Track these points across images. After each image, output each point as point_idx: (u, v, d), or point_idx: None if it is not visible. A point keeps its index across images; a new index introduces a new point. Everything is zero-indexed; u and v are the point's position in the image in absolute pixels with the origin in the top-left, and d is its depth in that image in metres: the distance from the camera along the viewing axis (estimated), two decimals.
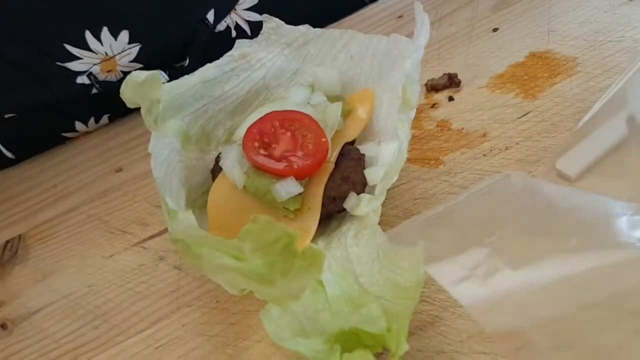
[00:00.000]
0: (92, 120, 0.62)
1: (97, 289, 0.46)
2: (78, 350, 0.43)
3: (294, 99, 0.48)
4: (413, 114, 0.42)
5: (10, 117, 0.59)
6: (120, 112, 0.62)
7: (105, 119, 0.62)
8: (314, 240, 0.42)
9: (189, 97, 0.49)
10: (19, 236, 0.53)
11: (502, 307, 0.33)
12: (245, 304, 0.42)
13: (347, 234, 0.42)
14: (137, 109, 0.43)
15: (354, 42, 0.50)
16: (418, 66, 0.42)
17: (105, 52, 0.57)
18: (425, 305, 0.39)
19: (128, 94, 0.43)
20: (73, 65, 0.56)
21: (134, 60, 0.58)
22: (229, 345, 0.40)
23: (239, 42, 0.52)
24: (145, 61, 0.58)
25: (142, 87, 0.42)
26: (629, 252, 0.34)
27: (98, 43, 0.56)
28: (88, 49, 0.56)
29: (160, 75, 0.44)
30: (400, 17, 0.63)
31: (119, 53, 0.57)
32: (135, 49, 0.58)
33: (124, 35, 0.57)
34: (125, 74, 0.57)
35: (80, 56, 0.56)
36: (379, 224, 0.41)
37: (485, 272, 0.34)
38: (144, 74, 0.42)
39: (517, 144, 0.47)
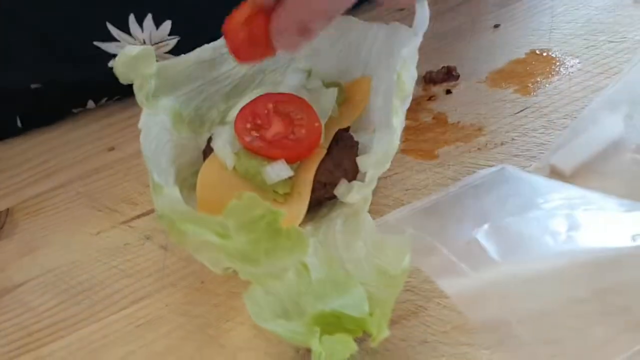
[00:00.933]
0: (104, 99, 0.61)
1: (81, 265, 0.46)
2: (59, 325, 0.42)
3: (289, 83, 0.48)
4: (408, 102, 0.42)
5: (35, 87, 0.58)
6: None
7: (115, 98, 0.61)
8: (302, 225, 0.42)
9: (185, 77, 0.49)
10: (7, 210, 0.52)
11: (488, 299, 0.33)
12: (230, 285, 0.42)
13: (336, 220, 0.41)
14: None
15: (354, 30, 0.50)
16: (415, 53, 0.42)
17: (143, 40, 0.56)
18: (411, 294, 0.39)
19: (121, 68, 0.43)
20: (109, 47, 0.56)
21: (169, 52, 0.58)
22: (211, 326, 0.40)
23: None
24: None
25: (135, 61, 0.42)
26: (619, 248, 0.33)
27: (139, 29, 0.55)
28: (128, 32, 0.55)
29: (153, 51, 0.43)
30: (401, 10, 0.63)
31: (156, 43, 0.56)
32: (173, 41, 0.57)
33: (167, 25, 0.56)
34: None
35: (119, 38, 0.55)
36: (368, 212, 0.40)
37: (472, 263, 0.34)
38: (137, 48, 0.42)
39: (512, 139, 0.46)
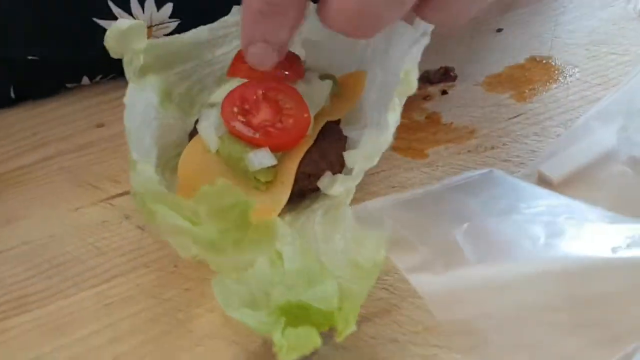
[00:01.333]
0: (99, 77, 0.60)
1: (57, 239, 0.45)
2: (28, 298, 0.41)
3: None
4: (404, 99, 0.41)
5: (32, 59, 0.57)
6: None
7: (111, 76, 0.61)
8: (281, 215, 0.41)
9: (178, 57, 0.48)
10: None
11: (460, 299, 0.32)
12: (203, 271, 0.41)
13: (317, 212, 0.41)
14: None
15: None
16: (420, 53, 0.41)
17: (143, 21, 0.55)
18: (385, 293, 0.38)
19: (111, 42, 0.42)
20: (108, 25, 0.54)
21: (169, 35, 0.57)
22: (180, 310, 0.39)
23: (236, 9, 0.50)
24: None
25: (126, 36, 0.41)
26: (598, 259, 0.32)
27: (140, 9, 0.54)
28: (129, 12, 0.54)
29: (144, 26, 0.43)
30: None
31: (156, 25, 0.56)
32: (173, 24, 0.56)
33: (168, 8, 0.55)
34: None
35: (119, 17, 0.54)
36: (350, 206, 0.40)
37: (448, 263, 0.33)
38: (128, 22, 0.41)
39: (504, 144, 0.46)
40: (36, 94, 0.60)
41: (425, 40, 0.42)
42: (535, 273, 0.32)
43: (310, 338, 0.31)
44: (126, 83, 0.59)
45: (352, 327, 0.31)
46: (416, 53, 0.41)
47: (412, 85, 0.40)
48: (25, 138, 0.55)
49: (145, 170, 0.33)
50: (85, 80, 0.60)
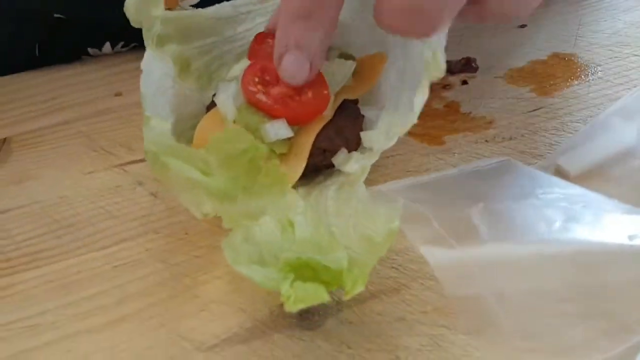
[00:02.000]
0: (120, 44, 0.60)
1: (69, 201, 0.45)
2: (37, 255, 0.42)
3: None
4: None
5: (58, 17, 0.57)
6: None
7: (132, 45, 0.61)
8: (294, 187, 0.41)
9: (199, 30, 0.48)
10: (4, 139, 0.52)
11: (471, 277, 0.32)
12: (213, 240, 0.41)
13: (330, 187, 0.41)
14: None
15: None
16: (445, 34, 0.41)
17: None
18: (394, 272, 0.38)
19: (131, 10, 0.42)
20: None
21: (194, 5, 0.57)
22: (188, 276, 0.39)
23: None
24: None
25: (144, 2, 0.41)
26: (614, 245, 0.32)
27: None
28: None
29: None
30: None
31: None
32: None
33: None
34: None
35: None
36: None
37: (461, 239, 0.33)
38: None
39: (522, 135, 0.46)
40: (60, 55, 0.60)
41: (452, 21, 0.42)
42: (549, 255, 0.32)
43: (318, 292, 0.31)
44: (141, 53, 0.60)
45: (361, 287, 0.31)
46: (441, 34, 0.41)
47: (440, 67, 0.39)
48: (43, 102, 0.56)
49: (158, 125, 0.33)
50: (106, 47, 0.60)
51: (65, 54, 0.60)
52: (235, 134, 0.29)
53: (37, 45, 0.59)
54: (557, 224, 0.33)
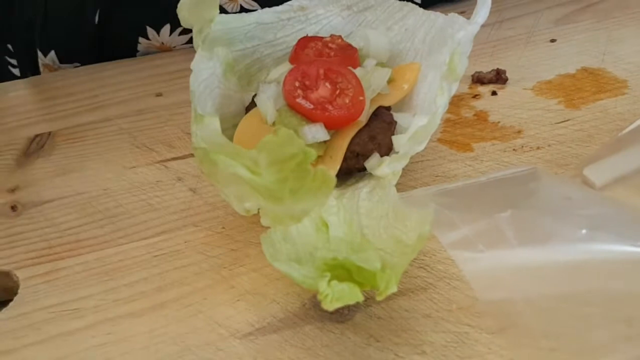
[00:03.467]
0: (179, 30, 0.62)
1: (111, 193, 0.47)
2: (80, 243, 0.44)
3: None
4: (455, 87, 0.42)
5: None
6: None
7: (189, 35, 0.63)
8: None
9: (242, 34, 0.50)
10: (49, 133, 0.54)
11: (500, 281, 0.33)
12: (249, 235, 0.43)
13: (362, 189, 0.42)
14: None
15: (412, 16, 0.51)
16: (470, 40, 0.43)
17: None
18: (422, 271, 0.40)
19: (184, 12, 0.44)
20: None
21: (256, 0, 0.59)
22: (224, 267, 0.41)
23: None
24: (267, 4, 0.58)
25: (199, 5, 0.43)
26: (636, 256, 0.33)
27: None
28: None
29: None
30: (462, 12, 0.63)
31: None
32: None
33: None
34: (243, 9, 0.60)
35: None
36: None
37: (489, 243, 0.34)
38: None
39: (549, 145, 0.47)
40: (118, 31, 0.62)
41: (474, 28, 0.43)
42: (574, 262, 0.33)
43: (353, 291, 0.32)
44: (185, 57, 0.62)
45: (394, 288, 0.32)
46: (462, 38, 0.42)
47: (457, 70, 0.41)
48: (85, 99, 0.58)
49: (212, 122, 0.35)
50: (165, 31, 0.61)
51: (122, 32, 0.62)
52: (287, 138, 0.30)
53: (98, 12, 0.61)
54: (583, 232, 0.34)
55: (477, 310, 0.37)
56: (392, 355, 0.35)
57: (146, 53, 0.65)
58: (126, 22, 0.63)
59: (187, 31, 0.63)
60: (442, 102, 0.41)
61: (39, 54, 0.65)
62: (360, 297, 0.32)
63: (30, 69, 0.66)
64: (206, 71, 0.45)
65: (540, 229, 0.35)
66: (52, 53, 0.64)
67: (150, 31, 0.63)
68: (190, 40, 0.63)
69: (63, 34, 0.63)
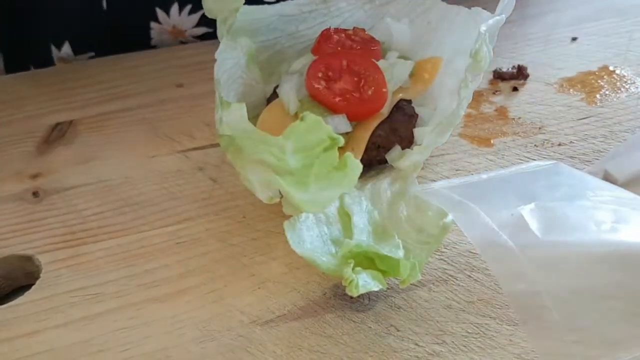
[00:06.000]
0: (188, 7, 0.62)
1: (133, 181, 0.48)
2: (101, 230, 0.44)
3: None
4: (479, 79, 0.42)
5: None
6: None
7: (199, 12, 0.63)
8: None
9: (264, 26, 0.50)
10: (71, 121, 0.54)
11: (523, 270, 0.33)
12: (270, 224, 0.43)
13: (384, 181, 0.42)
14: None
15: (434, 10, 0.51)
16: (495, 33, 0.42)
17: None
18: (442, 263, 0.40)
19: (210, 3, 0.45)
20: None
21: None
22: (245, 256, 0.41)
23: None
24: None
25: None
26: None
27: None
28: None
29: None
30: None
31: None
32: None
33: None
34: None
35: None
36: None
37: (513, 234, 0.34)
38: None
39: (571, 142, 0.47)
40: (128, 15, 0.62)
41: (499, 20, 0.43)
42: (597, 255, 0.33)
43: (377, 278, 0.32)
44: (206, 49, 0.62)
45: (418, 276, 0.32)
46: (486, 30, 0.42)
47: (482, 62, 0.41)
48: (107, 88, 0.58)
49: (238, 109, 0.35)
50: (174, 10, 0.62)
51: (132, 17, 0.62)
52: (314, 123, 0.30)
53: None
54: (607, 225, 0.34)
55: (499, 302, 0.37)
56: (413, 345, 0.35)
57: (160, 42, 0.66)
58: (134, 5, 0.63)
59: (195, 9, 0.63)
60: (466, 94, 0.41)
61: (53, 48, 0.65)
62: (384, 284, 0.32)
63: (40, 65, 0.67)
64: (230, 61, 0.45)
65: (564, 221, 0.35)
66: (67, 45, 0.65)
67: (160, 13, 0.63)
68: (201, 21, 0.64)
69: (75, 22, 0.64)
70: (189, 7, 0.63)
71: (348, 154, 0.32)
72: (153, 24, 0.64)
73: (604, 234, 0.34)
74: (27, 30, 0.65)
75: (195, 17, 0.64)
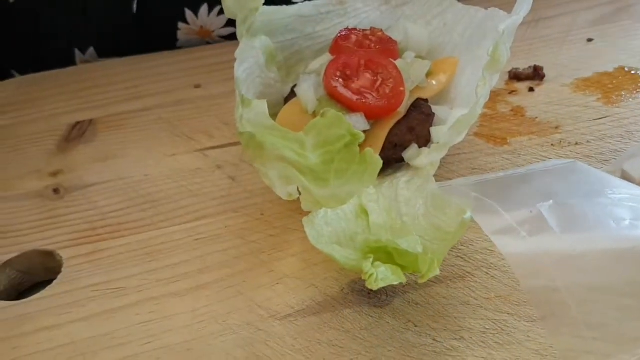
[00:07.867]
0: (217, 9, 0.63)
1: (152, 179, 0.48)
2: (122, 226, 0.45)
3: None
4: (496, 78, 0.43)
5: None
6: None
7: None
8: None
9: (282, 26, 0.51)
10: (91, 120, 0.55)
11: (542, 266, 0.33)
12: (288, 222, 0.43)
13: (401, 179, 0.43)
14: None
15: (451, 11, 0.51)
16: (513, 32, 0.43)
17: None
18: (460, 260, 0.40)
19: (229, 2, 0.45)
20: None
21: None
22: (264, 252, 0.42)
23: None
24: None
25: None
26: None
27: None
28: None
29: None
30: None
31: None
32: None
33: None
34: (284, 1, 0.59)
35: None
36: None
37: (532, 230, 0.34)
38: None
39: (588, 141, 0.47)
40: (156, 16, 0.63)
41: (517, 19, 0.43)
42: (616, 252, 0.33)
43: (397, 272, 0.33)
44: (224, 50, 0.63)
45: (437, 271, 0.33)
46: (505, 29, 0.42)
47: (500, 60, 0.41)
48: (126, 88, 0.59)
49: (260, 105, 0.35)
50: (203, 11, 0.62)
51: (161, 19, 0.62)
52: (335, 119, 0.31)
53: (136, 2, 0.62)
54: (626, 222, 0.34)
55: (516, 298, 0.37)
56: (430, 340, 0.36)
57: (186, 42, 0.66)
58: (164, 7, 0.63)
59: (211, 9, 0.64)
60: (483, 93, 0.41)
61: (77, 52, 0.66)
62: (403, 279, 0.33)
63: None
64: (250, 60, 0.45)
65: (583, 218, 0.35)
66: (92, 49, 0.66)
67: (188, 14, 0.64)
68: (230, 22, 0.65)
69: (104, 27, 0.65)
70: (218, 8, 0.64)
71: (368, 149, 0.32)
72: (181, 25, 0.65)
73: (623, 231, 0.34)
74: (53, 35, 0.66)
75: (225, 17, 0.65)
